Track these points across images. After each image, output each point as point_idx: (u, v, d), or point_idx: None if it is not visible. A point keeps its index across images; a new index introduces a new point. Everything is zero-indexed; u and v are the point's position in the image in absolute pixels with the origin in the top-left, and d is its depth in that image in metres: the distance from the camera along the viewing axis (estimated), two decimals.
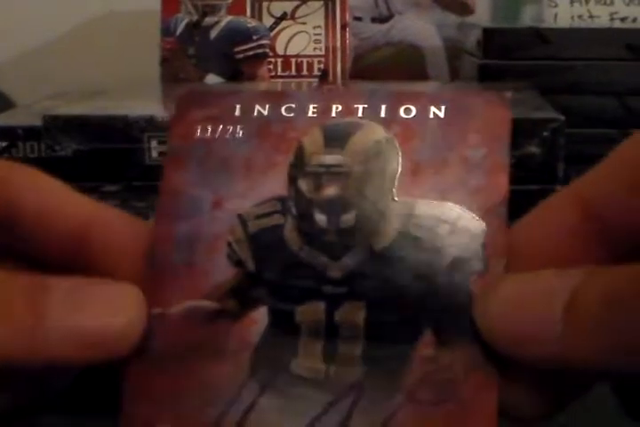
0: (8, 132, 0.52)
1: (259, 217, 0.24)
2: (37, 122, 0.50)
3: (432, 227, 0.23)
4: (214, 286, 0.24)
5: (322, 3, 0.71)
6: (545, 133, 0.48)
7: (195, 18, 0.72)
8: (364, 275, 0.23)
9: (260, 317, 0.23)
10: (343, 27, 0.71)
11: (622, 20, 0.77)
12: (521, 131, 0.47)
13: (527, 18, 0.82)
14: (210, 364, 0.23)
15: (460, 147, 0.24)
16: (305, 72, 0.72)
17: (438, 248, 0.23)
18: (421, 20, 0.83)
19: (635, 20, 0.77)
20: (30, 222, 0.24)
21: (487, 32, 0.70)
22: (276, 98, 0.26)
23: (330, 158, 0.24)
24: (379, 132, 0.25)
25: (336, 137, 0.24)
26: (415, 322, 0.23)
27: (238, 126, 0.25)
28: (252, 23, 0.72)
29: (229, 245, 0.24)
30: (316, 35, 0.72)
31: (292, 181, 0.24)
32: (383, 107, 0.25)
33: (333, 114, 0.25)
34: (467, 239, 0.23)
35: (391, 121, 0.25)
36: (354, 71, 0.74)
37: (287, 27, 0.72)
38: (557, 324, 0.20)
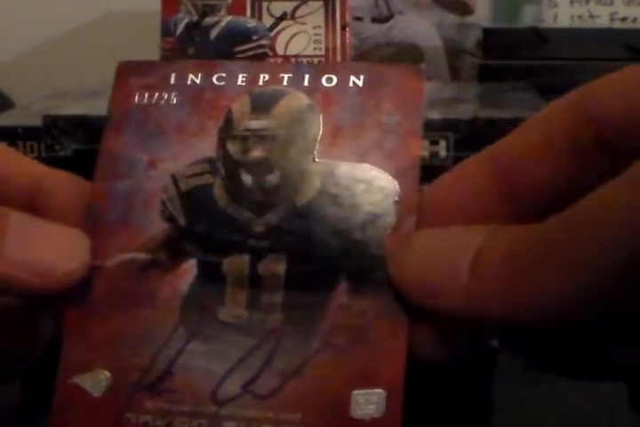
0: (8, 132, 0.52)
1: (190, 176, 0.26)
2: (37, 122, 0.50)
3: (349, 186, 0.25)
4: (147, 239, 0.26)
5: (322, 3, 0.71)
6: None
7: (195, 18, 0.72)
8: (286, 230, 0.25)
9: (189, 268, 0.25)
10: (343, 27, 0.71)
11: (622, 20, 0.77)
12: None
13: (527, 18, 0.83)
14: (143, 311, 0.25)
15: (376, 113, 0.26)
16: None
17: (354, 205, 0.25)
18: (421, 20, 0.82)
19: (635, 20, 0.77)
20: None
21: (487, 32, 0.70)
22: (208, 67, 0.27)
23: (256, 123, 0.26)
24: (302, 99, 0.26)
25: (262, 103, 0.26)
26: (332, 273, 0.25)
27: (173, 94, 0.27)
28: (251, 23, 0.71)
29: (162, 202, 0.26)
30: (316, 35, 0.71)
31: (221, 143, 0.26)
32: (306, 76, 0.27)
33: (261, 82, 0.27)
34: (381, 197, 0.25)
35: (314, 89, 0.27)
36: None
37: (287, 27, 0.71)
38: (463, 278, 0.21)
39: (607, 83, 0.23)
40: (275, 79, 0.27)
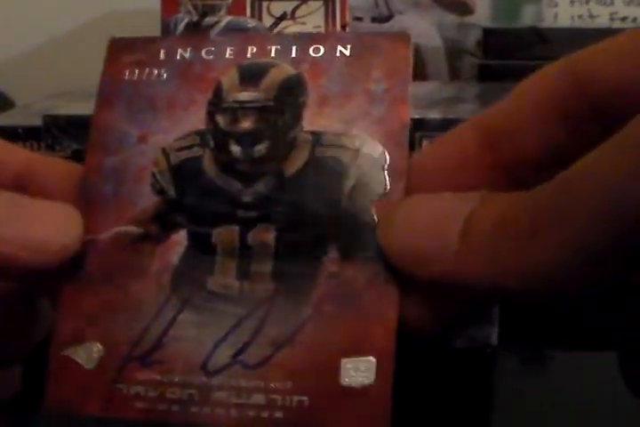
0: (8, 133, 0.52)
1: (180, 150, 0.26)
2: (37, 122, 0.50)
3: (337, 154, 0.25)
4: (139, 212, 0.26)
5: (322, 3, 0.71)
6: None
7: (195, 18, 0.72)
8: (275, 200, 0.25)
9: (180, 239, 0.25)
10: (343, 27, 0.71)
11: (622, 19, 0.77)
12: None
13: (527, 18, 0.82)
14: (135, 283, 0.25)
15: (363, 81, 0.26)
16: None
17: (342, 173, 0.25)
18: (421, 20, 0.82)
19: (635, 19, 0.77)
20: None
21: (487, 32, 0.70)
22: (196, 42, 0.28)
23: (245, 95, 0.26)
24: (290, 70, 0.27)
25: (251, 76, 0.26)
26: (321, 241, 0.25)
27: (162, 69, 0.27)
28: (251, 23, 0.71)
29: (153, 175, 0.26)
30: None
31: (210, 116, 0.26)
32: (294, 47, 0.27)
33: (249, 55, 0.27)
34: (368, 165, 0.25)
35: (301, 60, 0.27)
36: None
37: (287, 27, 0.71)
38: (452, 244, 0.21)
39: (597, 48, 0.22)
40: (262, 51, 0.27)
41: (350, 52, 0.27)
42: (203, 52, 0.27)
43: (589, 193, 0.19)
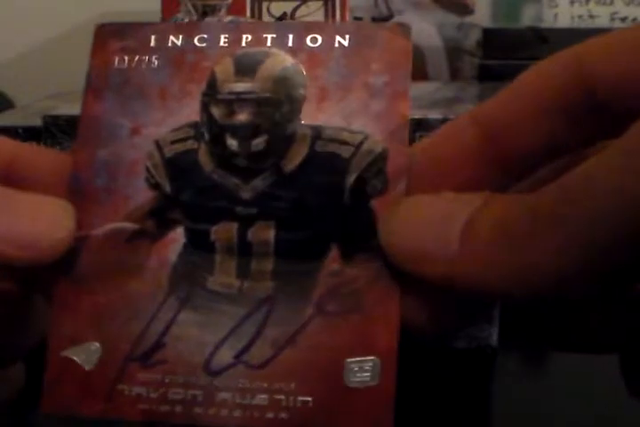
0: (8, 133, 0.52)
1: (174, 142, 0.26)
2: (37, 122, 0.50)
3: (337, 149, 0.25)
4: (134, 208, 0.25)
5: (322, 3, 0.71)
6: None
7: (195, 18, 0.72)
8: (274, 196, 0.25)
9: (177, 236, 0.25)
10: None
11: (622, 20, 0.77)
12: None
13: (527, 18, 0.82)
14: (131, 282, 0.25)
15: (362, 74, 0.25)
16: None
17: (343, 170, 0.24)
18: (421, 20, 0.82)
19: (635, 19, 0.77)
20: None
21: (487, 32, 0.70)
22: (189, 29, 0.27)
23: (240, 86, 0.25)
24: (286, 60, 0.26)
25: (246, 65, 0.25)
26: (322, 239, 0.24)
27: (153, 56, 0.26)
28: None
29: (147, 169, 0.25)
30: None
31: (205, 108, 0.25)
32: (290, 36, 0.26)
33: (243, 44, 0.26)
34: (369, 161, 0.24)
35: (298, 49, 0.26)
36: None
37: None
38: (452, 245, 0.21)
39: (602, 41, 0.22)
40: (258, 40, 0.26)
41: (349, 42, 0.26)
42: (195, 40, 0.26)
43: (590, 198, 0.19)
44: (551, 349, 0.26)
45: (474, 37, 0.75)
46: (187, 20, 0.72)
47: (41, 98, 0.66)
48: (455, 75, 0.81)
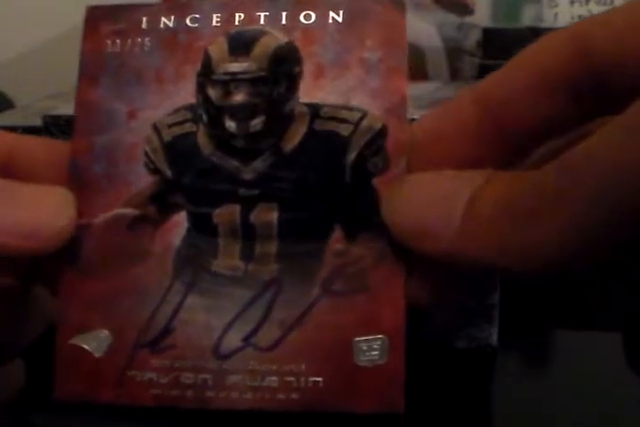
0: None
1: (172, 126, 0.25)
2: (37, 122, 0.50)
3: (336, 128, 0.25)
4: (135, 193, 0.25)
5: None
6: None
7: None
8: (275, 177, 0.24)
9: (180, 220, 0.25)
10: None
11: None
12: None
13: (527, 18, 0.82)
14: (136, 267, 0.25)
15: (357, 50, 0.25)
16: None
17: (343, 148, 0.24)
18: (421, 20, 0.82)
19: None
20: None
21: (487, 32, 0.70)
22: (180, 9, 0.26)
23: (236, 66, 0.25)
24: (281, 38, 0.25)
25: (240, 45, 0.25)
26: (325, 219, 0.24)
27: (146, 39, 0.26)
28: None
29: (146, 154, 0.25)
30: None
31: (201, 89, 0.25)
32: (284, 14, 0.26)
33: (237, 22, 0.26)
34: (369, 138, 0.24)
35: (292, 27, 0.26)
36: None
37: None
38: (455, 222, 0.22)
39: (603, 18, 0.22)
40: (251, 18, 0.26)
41: (342, 17, 0.26)
42: (187, 20, 0.26)
43: (591, 175, 0.19)
44: (552, 325, 0.26)
45: (474, 37, 0.75)
46: None
47: (41, 98, 0.66)
48: (455, 75, 0.81)
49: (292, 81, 0.25)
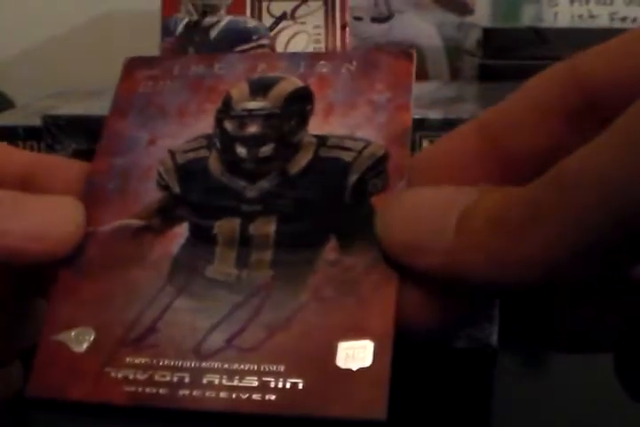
0: (8, 132, 0.52)
1: (187, 151, 0.27)
2: (37, 122, 0.50)
3: (340, 155, 0.26)
4: (143, 208, 0.26)
5: (322, 3, 0.71)
6: None
7: (195, 17, 0.72)
8: (278, 194, 0.26)
9: (181, 231, 0.26)
10: (343, 27, 0.71)
11: (622, 19, 0.77)
12: None
13: (527, 17, 0.82)
14: (132, 271, 0.25)
15: (367, 93, 0.27)
16: None
17: (344, 171, 0.26)
18: (421, 20, 0.82)
19: (635, 19, 0.77)
20: None
21: (487, 32, 0.70)
22: (209, 59, 0.29)
23: (253, 104, 0.27)
24: (297, 82, 0.28)
25: (260, 87, 0.28)
26: (321, 231, 0.25)
27: (176, 81, 0.29)
28: (251, 23, 0.71)
29: (159, 173, 0.27)
30: (315, 35, 0.71)
31: (219, 123, 0.27)
32: (302, 64, 0.28)
33: (259, 70, 0.29)
34: (370, 164, 0.26)
35: (309, 74, 0.28)
36: None
37: (287, 27, 0.71)
38: (448, 236, 0.22)
39: (597, 48, 0.23)
40: (272, 67, 0.28)
41: (356, 67, 0.28)
42: (215, 68, 0.29)
43: (581, 188, 0.19)
44: (547, 350, 0.25)
45: (474, 37, 0.75)
46: (186, 19, 0.72)
47: (41, 98, 0.66)
48: (455, 75, 0.81)
49: (303, 117, 0.27)
